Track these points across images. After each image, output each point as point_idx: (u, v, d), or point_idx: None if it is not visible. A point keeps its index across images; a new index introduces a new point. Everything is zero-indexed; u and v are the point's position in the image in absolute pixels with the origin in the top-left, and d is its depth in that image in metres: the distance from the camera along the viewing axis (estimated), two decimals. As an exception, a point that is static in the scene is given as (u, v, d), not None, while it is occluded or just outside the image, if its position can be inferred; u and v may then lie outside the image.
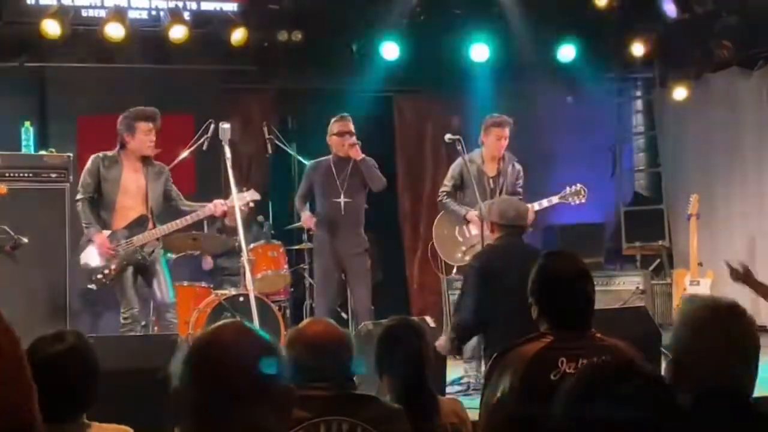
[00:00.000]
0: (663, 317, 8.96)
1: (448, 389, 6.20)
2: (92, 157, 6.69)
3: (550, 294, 3.28)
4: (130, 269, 6.60)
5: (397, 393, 3.24)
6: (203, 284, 7.84)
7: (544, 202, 7.37)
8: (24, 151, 7.42)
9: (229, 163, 6.22)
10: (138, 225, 6.61)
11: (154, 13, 8.56)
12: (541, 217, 9.31)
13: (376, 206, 7.98)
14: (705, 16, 8.93)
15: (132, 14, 8.46)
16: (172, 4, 8.52)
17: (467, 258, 7.21)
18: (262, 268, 7.99)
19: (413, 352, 3.30)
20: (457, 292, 8.32)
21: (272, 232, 8.42)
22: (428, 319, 6.24)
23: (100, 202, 6.63)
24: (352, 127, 7.16)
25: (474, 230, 7.20)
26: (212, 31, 8.76)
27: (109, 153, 6.64)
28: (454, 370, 7.04)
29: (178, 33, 8.40)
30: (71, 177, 7.36)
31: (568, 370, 3.08)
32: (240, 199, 6.56)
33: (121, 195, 6.60)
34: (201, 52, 8.86)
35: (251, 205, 6.99)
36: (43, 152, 7.49)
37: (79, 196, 6.62)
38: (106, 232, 6.55)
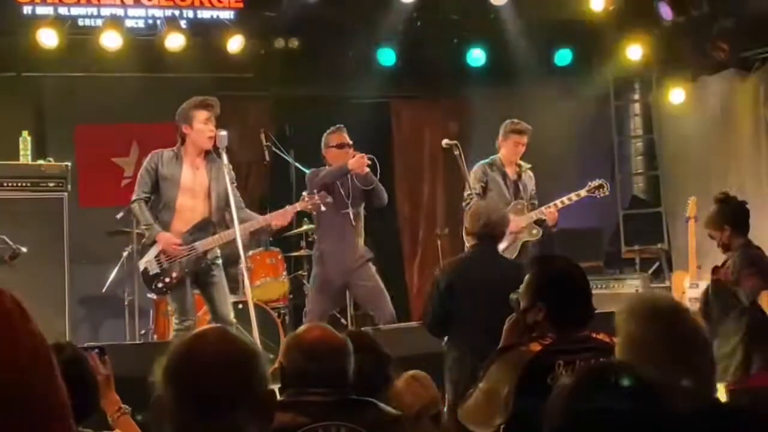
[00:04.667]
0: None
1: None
2: (150, 154, 6.22)
3: (560, 294, 3.30)
4: (189, 278, 6.15)
5: None
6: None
7: (572, 197, 7.44)
8: (22, 160, 7.43)
9: (226, 170, 6.20)
10: (201, 229, 6.13)
11: (150, 21, 8.56)
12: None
13: (375, 212, 7.98)
14: (701, 18, 8.93)
15: (128, 23, 8.47)
16: (168, 13, 8.53)
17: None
18: (261, 276, 8.00)
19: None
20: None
21: (270, 239, 8.42)
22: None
23: (158, 202, 6.14)
24: (348, 138, 7.10)
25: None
26: (209, 39, 8.77)
27: (168, 149, 6.17)
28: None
29: (174, 41, 8.41)
30: (69, 186, 7.38)
31: (564, 374, 3.09)
32: (309, 203, 6.43)
33: (181, 194, 6.10)
34: (198, 60, 8.86)
35: (323, 208, 6.56)
36: (41, 162, 7.50)
37: (134, 197, 6.11)
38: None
